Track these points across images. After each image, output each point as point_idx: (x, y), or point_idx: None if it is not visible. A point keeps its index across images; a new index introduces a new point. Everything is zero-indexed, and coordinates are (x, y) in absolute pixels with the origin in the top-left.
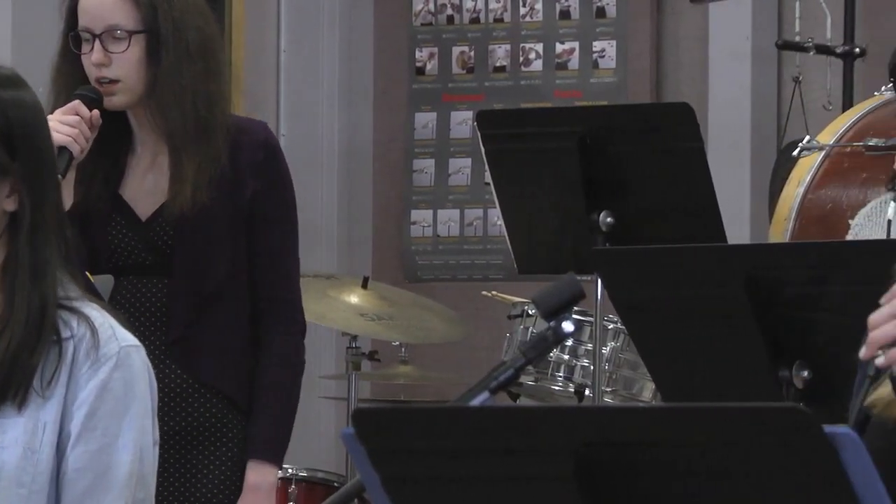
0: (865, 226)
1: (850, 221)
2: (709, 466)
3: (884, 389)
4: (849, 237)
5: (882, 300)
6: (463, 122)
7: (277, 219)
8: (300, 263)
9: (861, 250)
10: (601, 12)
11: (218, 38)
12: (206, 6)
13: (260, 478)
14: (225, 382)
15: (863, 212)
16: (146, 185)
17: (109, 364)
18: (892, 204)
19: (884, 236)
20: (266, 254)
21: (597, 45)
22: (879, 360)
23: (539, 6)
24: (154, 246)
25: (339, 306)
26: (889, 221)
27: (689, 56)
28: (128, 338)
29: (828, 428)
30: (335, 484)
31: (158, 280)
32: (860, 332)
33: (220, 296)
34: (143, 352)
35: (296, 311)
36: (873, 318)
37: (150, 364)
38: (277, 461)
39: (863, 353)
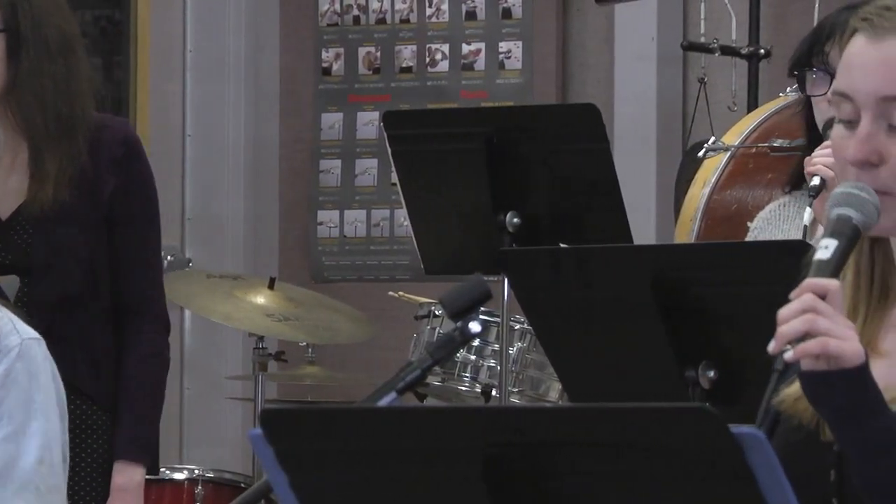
0: (765, 229)
1: (749, 224)
2: (616, 467)
3: (792, 387)
4: (748, 240)
5: (791, 294)
6: (369, 122)
7: (138, 216)
8: (162, 262)
9: (766, 250)
10: (507, 13)
11: (78, 36)
12: (65, 4)
13: (126, 479)
14: (89, 383)
15: (761, 215)
16: (7, 185)
17: (11, 355)
18: (808, 210)
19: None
20: (128, 251)
21: (503, 46)
22: (788, 355)
23: (445, 7)
24: (14, 245)
25: (246, 307)
26: (805, 227)
27: (595, 57)
28: (29, 332)
29: (734, 428)
30: (242, 485)
31: (19, 279)
32: (765, 332)
33: (82, 295)
34: (44, 345)
35: (159, 309)
36: (782, 312)
37: (51, 357)
38: (144, 460)
39: (771, 347)
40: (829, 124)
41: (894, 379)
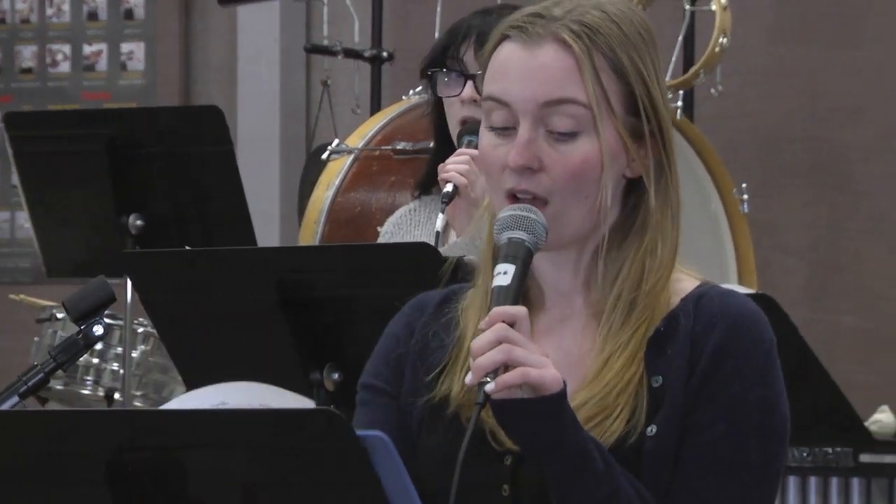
0: (395, 233)
1: (380, 229)
2: (242, 469)
3: (459, 393)
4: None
5: (482, 325)
6: None
7: None
8: None
9: (389, 253)
10: (129, 14)
11: None
12: None
13: None
14: None
15: (391, 219)
16: None
17: None
18: (441, 216)
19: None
20: None
21: (125, 47)
22: (489, 387)
23: (66, 7)
24: None
25: None
26: (437, 233)
27: (217, 59)
28: None
29: (360, 431)
30: None
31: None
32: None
33: None
34: None
35: None
36: (476, 344)
37: None
38: None
39: (469, 379)
40: (467, 129)
41: None
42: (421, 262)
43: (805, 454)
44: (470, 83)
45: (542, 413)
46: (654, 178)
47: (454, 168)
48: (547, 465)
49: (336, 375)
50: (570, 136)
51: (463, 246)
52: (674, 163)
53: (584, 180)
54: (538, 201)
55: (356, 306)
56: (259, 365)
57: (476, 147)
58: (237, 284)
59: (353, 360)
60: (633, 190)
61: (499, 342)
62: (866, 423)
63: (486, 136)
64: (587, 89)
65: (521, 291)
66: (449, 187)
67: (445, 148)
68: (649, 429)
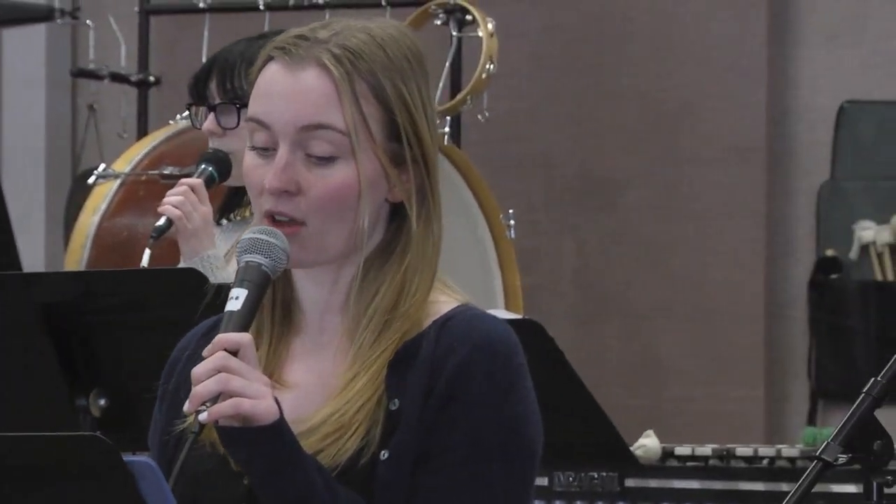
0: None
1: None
2: (11, 492)
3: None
4: None
5: (204, 352)
6: None
7: None
8: None
9: (153, 278)
10: None
11: None
12: None
13: None
14: None
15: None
16: None
17: None
18: (147, 252)
19: None
20: None
21: None
22: (202, 416)
23: None
24: None
25: None
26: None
27: None
28: None
29: (127, 457)
30: None
31: None
32: (151, 358)
33: None
34: None
35: None
36: (196, 371)
37: None
38: None
39: (187, 407)
40: (202, 157)
41: (303, 410)
42: (188, 286)
43: (571, 479)
44: (212, 115)
45: (257, 443)
46: (416, 203)
47: (170, 201)
48: (266, 495)
49: (102, 401)
50: (327, 160)
51: (198, 264)
52: (436, 189)
53: (342, 205)
54: (295, 223)
55: (123, 331)
56: (25, 391)
57: (204, 176)
58: (2, 310)
59: (120, 385)
60: (396, 213)
61: (217, 371)
62: (632, 448)
63: (248, 157)
64: (345, 116)
65: (252, 317)
66: (162, 220)
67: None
68: (382, 453)
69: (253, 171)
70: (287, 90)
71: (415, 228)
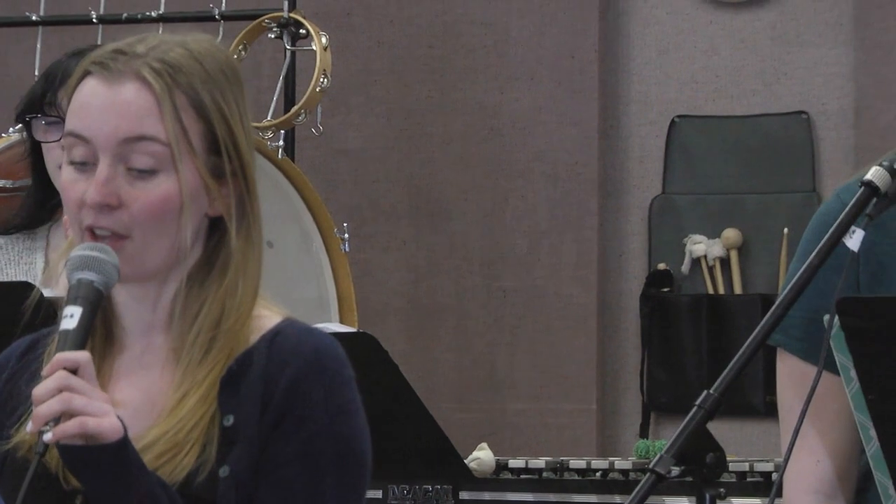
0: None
1: None
2: None
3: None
4: None
5: (44, 372)
6: None
7: None
8: None
9: None
10: None
11: None
12: None
13: None
14: None
15: None
16: None
17: None
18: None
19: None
20: None
21: None
22: (47, 437)
23: None
24: None
25: None
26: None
27: None
28: None
29: None
30: None
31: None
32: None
33: None
34: None
35: None
36: (37, 391)
37: None
38: None
39: (30, 427)
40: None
41: (134, 429)
42: (24, 301)
43: (406, 492)
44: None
45: (103, 461)
46: (235, 217)
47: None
48: None
49: None
50: (149, 173)
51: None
52: (256, 202)
53: (164, 218)
54: (118, 237)
55: None
56: None
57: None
58: None
59: None
60: (216, 229)
61: (59, 390)
62: (466, 461)
63: (66, 172)
64: (166, 128)
65: (88, 335)
66: None
67: (44, 190)
68: (222, 470)
69: (72, 185)
70: (107, 103)
71: (235, 243)
